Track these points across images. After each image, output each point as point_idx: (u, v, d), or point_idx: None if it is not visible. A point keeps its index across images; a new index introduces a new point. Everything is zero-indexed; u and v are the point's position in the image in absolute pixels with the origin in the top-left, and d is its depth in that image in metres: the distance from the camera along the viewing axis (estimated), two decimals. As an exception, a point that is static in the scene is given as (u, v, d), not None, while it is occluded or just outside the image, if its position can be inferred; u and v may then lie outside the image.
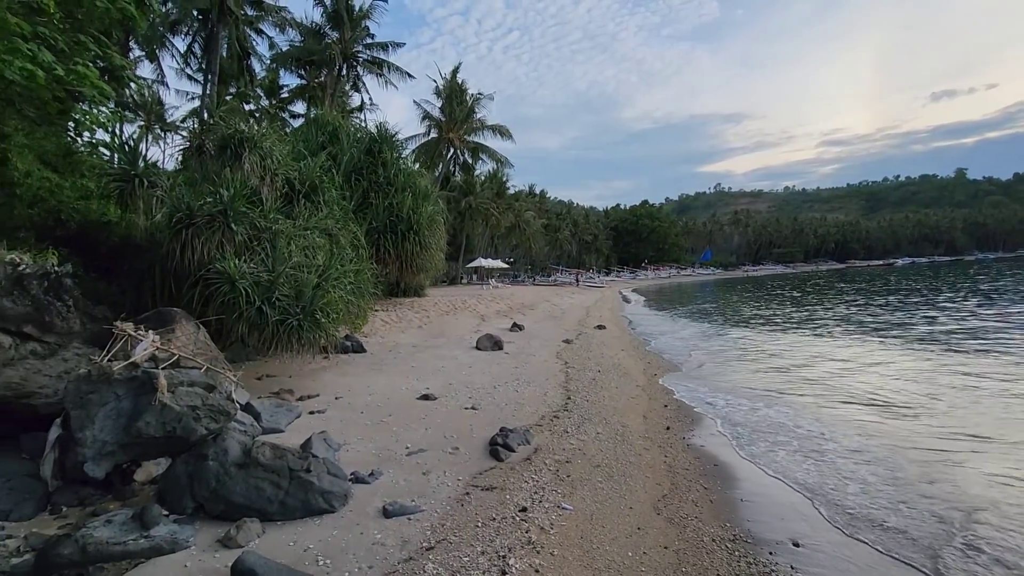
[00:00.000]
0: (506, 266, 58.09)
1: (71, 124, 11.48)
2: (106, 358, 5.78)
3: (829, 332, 20.20)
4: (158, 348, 5.96)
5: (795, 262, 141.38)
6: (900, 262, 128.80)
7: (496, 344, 14.83)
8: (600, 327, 21.10)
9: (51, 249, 7.96)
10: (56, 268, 7.11)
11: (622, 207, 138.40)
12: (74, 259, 8.98)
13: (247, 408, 7.17)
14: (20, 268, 6.55)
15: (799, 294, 44.03)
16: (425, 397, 9.34)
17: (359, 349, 13.19)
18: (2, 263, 6.25)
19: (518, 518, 5.00)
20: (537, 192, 79.55)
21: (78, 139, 13.15)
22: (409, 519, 4.94)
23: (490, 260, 50.48)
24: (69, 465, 4.95)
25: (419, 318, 19.24)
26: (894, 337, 17.93)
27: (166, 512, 4.66)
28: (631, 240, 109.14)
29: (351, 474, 5.75)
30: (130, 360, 5.46)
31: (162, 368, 5.55)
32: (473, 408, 8.81)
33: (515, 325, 19.73)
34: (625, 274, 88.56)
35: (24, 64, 7.53)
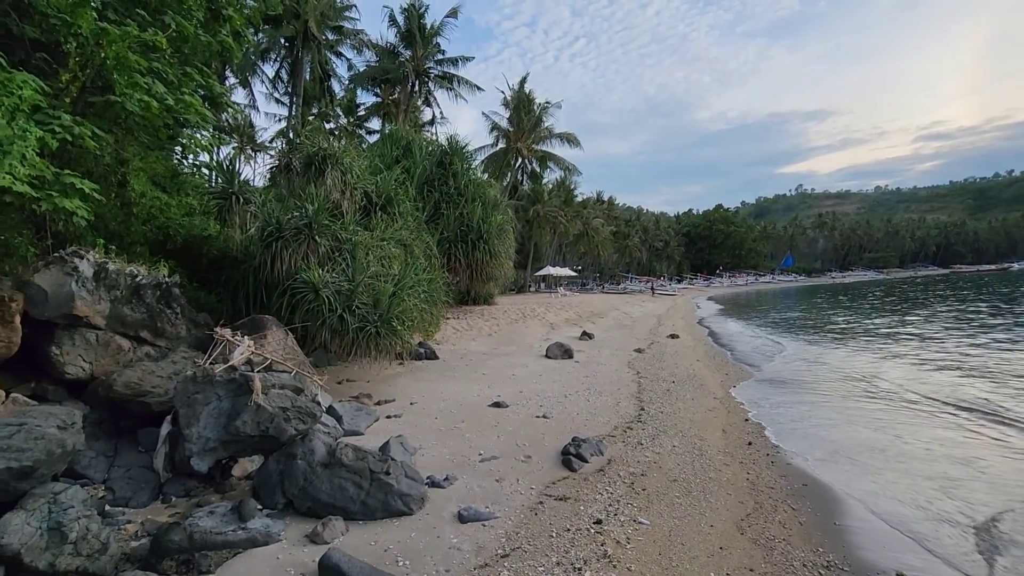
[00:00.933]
0: (574, 274, 57.70)
1: (178, 148, 12.67)
2: (208, 361, 6.29)
3: (938, 342, 18.47)
4: (253, 352, 6.41)
5: (889, 268, 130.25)
6: (1017, 265, 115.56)
7: (566, 353, 14.74)
8: (673, 336, 20.46)
9: (163, 261, 8.76)
10: (166, 279, 7.84)
11: (695, 212, 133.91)
12: (180, 270, 9.88)
13: (330, 411, 7.54)
14: (137, 279, 7.28)
15: (897, 302, 40.60)
16: (496, 404, 9.43)
17: (432, 356, 13.54)
18: (124, 274, 6.97)
19: (593, 530, 4.92)
20: (605, 199, 78.55)
21: (184, 161, 14.50)
22: (484, 525, 4.99)
23: (558, 268, 50.40)
24: (177, 459, 5.42)
25: (489, 326, 19.48)
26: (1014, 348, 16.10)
27: (260, 506, 4.98)
28: (704, 246, 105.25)
29: (427, 478, 5.90)
30: (229, 364, 5.91)
31: (256, 371, 5.96)
32: (544, 417, 8.79)
33: (584, 334, 19.53)
34: (699, 281, 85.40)
35: (142, 96, 8.38)
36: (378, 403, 9.34)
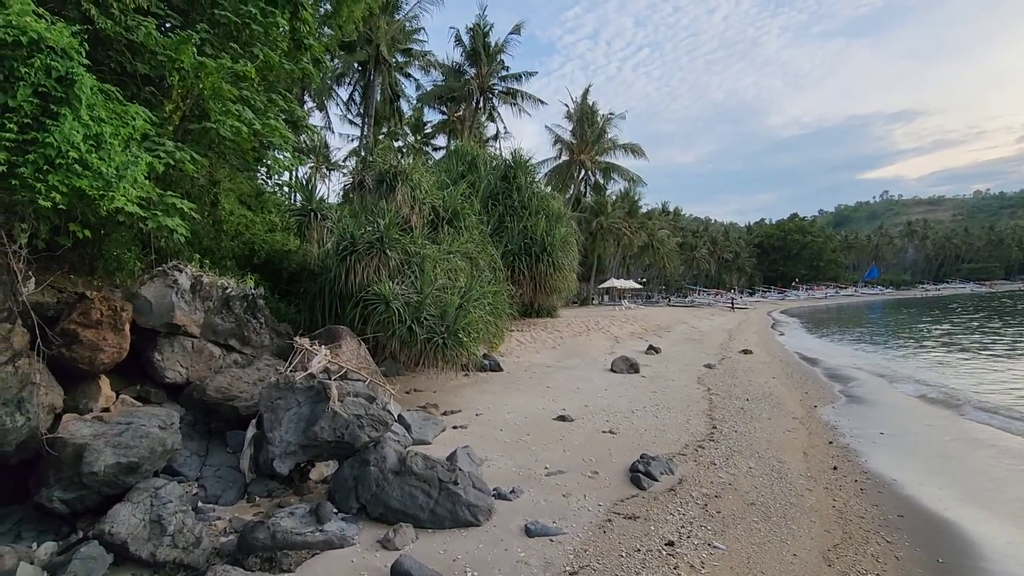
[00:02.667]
0: (639, 286, 56.48)
1: (263, 169, 13.59)
2: (289, 369, 6.65)
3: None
4: (329, 361, 6.71)
5: (992, 280, 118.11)
6: None
7: (632, 367, 14.41)
8: (746, 352, 19.52)
9: (249, 275, 9.38)
10: (252, 291, 8.38)
11: (767, 222, 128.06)
12: (263, 283, 10.53)
13: (400, 419, 7.74)
14: (227, 291, 7.83)
15: (1003, 315, 36.79)
16: (562, 418, 9.34)
17: (496, 368, 13.63)
18: (216, 287, 7.52)
19: (665, 552, 4.75)
20: (671, 209, 76.75)
21: (267, 181, 15.53)
22: (551, 540, 4.93)
23: (622, 280, 49.52)
24: (261, 461, 5.74)
25: (553, 339, 19.40)
26: None
27: (335, 510, 5.17)
28: (778, 257, 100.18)
29: (493, 489, 5.91)
30: (308, 371, 6.21)
31: (333, 379, 6.23)
32: (611, 432, 8.61)
33: (651, 347, 19.03)
34: (772, 294, 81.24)
35: (233, 122, 9.07)
36: (444, 413, 9.49)
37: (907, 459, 7.95)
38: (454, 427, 8.62)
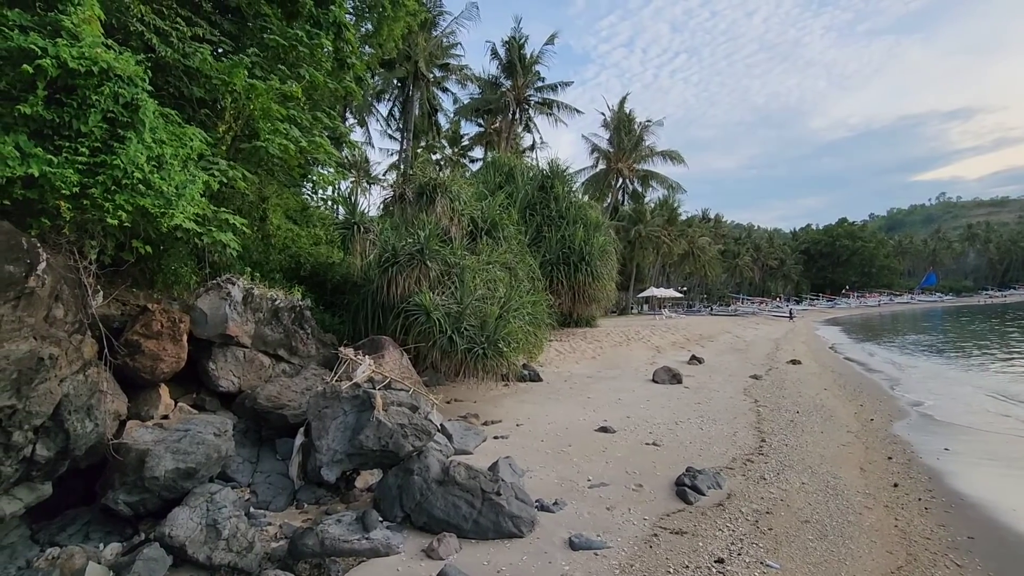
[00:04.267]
0: (679, 295, 55.37)
1: (309, 184, 14.07)
2: (335, 378, 6.81)
3: None
4: (373, 371, 6.84)
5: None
6: None
7: (674, 377, 14.11)
8: (794, 362, 18.82)
9: (296, 286, 9.68)
10: (300, 302, 8.65)
11: (814, 227, 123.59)
12: (309, 295, 10.86)
13: (442, 429, 7.80)
14: (276, 302, 8.11)
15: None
16: (603, 429, 9.21)
17: (536, 378, 13.59)
18: (265, 299, 7.80)
19: (714, 570, 4.60)
20: (712, 216, 75.10)
21: (312, 196, 16.05)
22: (596, 554, 4.85)
23: (662, 289, 48.66)
24: (309, 468, 5.88)
25: (592, 349, 19.22)
26: None
27: (380, 518, 5.23)
28: (826, 264, 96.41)
29: (536, 501, 5.87)
30: (353, 381, 6.35)
31: (377, 389, 6.34)
32: (654, 444, 8.43)
33: (694, 358, 18.59)
34: (821, 302, 78.13)
35: (281, 140, 9.44)
36: (485, 423, 9.52)
37: (976, 476, 7.46)
38: (495, 437, 8.62)
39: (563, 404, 11.23)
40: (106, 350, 5.44)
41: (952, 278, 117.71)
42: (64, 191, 4.75)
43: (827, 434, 9.30)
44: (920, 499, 6.52)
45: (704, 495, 6.32)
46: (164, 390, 6.28)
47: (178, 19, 8.66)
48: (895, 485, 6.96)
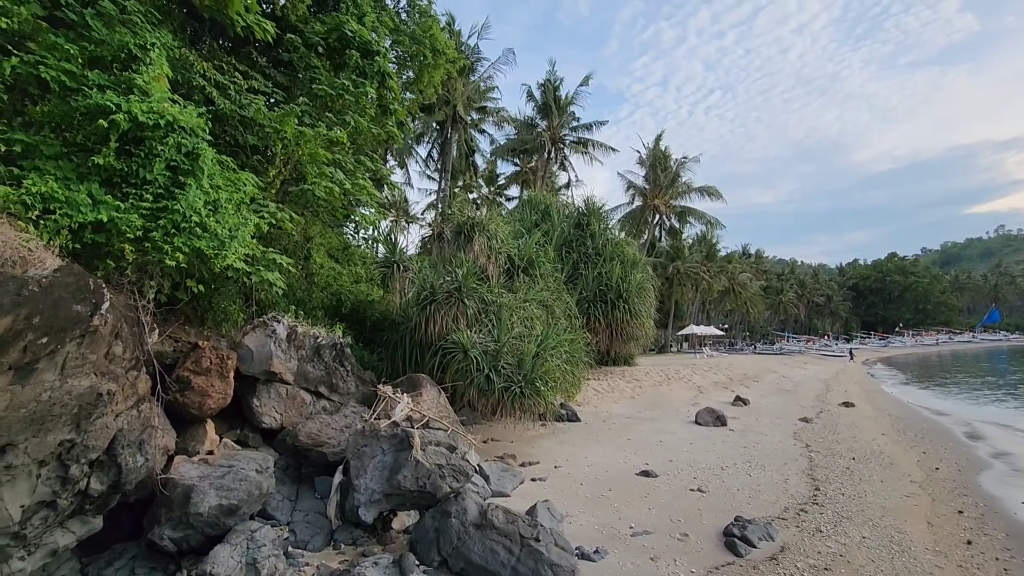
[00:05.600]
0: (720, 333, 53.81)
1: (352, 225, 14.55)
2: (373, 416, 6.84)
3: None
4: (412, 409, 6.84)
5: None
6: None
7: (718, 419, 13.57)
8: (847, 404, 17.86)
9: (338, 324, 9.89)
10: (340, 339, 8.82)
11: (861, 262, 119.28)
12: (349, 332, 11.07)
13: (479, 470, 7.68)
14: (318, 340, 8.29)
15: None
16: (645, 473, 8.89)
17: (574, 418, 13.31)
18: (308, 336, 7.99)
19: (771, 631, 4.28)
20: (752, 252, 73.44)
21: (355, 236, 16.57)
22: (641, 609, 4.60)
23: (702, 327, 47.44)
24: (347, 508, 5.86)
25: (631, 388, 18.77)
26: None
27: (417, 562, 5.13)
28: (877, 300, 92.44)
29: (576, 548, 5.65)
30: (392, 419, 6.36)
31: (415, 427, 6.33)
32: (699, 490, 8.06)
33: (738, 399, 17.89)
34: (873, 341, 74.39)
35: (327, 183, 9.85)
36: (522, 464, 9.32)
37: (1061, 535, 6.80)
38: (532, 479, 8.42)
39: (602, 446, 10.92)
40: (159, 386, 5.65)
41: (1018, 315, 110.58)
42: (129, 235, 5.06)
43: (888, 483, 8.70)
44: (998, 559, 5.97)
45: (755, 547, 5.97)
46: (210, 425, 6.43)
47: (236, 73, 9.29)
48: (968, 543, 6.40)
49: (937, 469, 9.84)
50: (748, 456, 10.31)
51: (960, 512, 7.51)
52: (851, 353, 48.59)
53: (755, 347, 58.61)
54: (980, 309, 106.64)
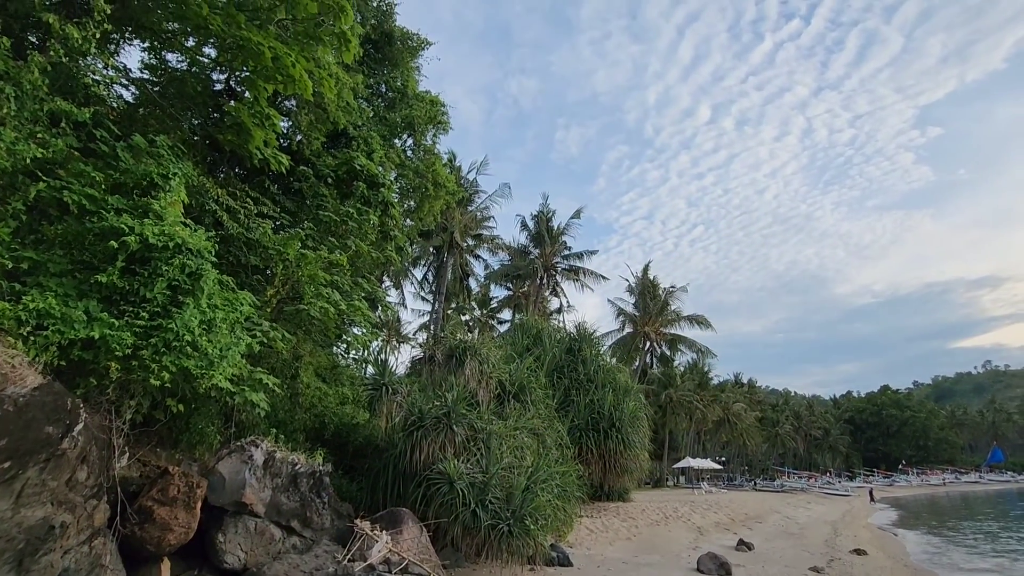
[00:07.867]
0: (718, 466, 51.56)
1: (343, 345, 14.48)
2: (347, 558, 6.25)
3: None
4: (390, 551, 6.28)
5: None
6: None
7: (722, 566, 12.49)
8: (859, 551, 16.61)
9: (319, 450, 9.42)
10: (320, 467, 8.34)
11: (855, 394, 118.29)
12: (330, 458, 10.50)
13: (460, 624, 6.87)
14: (296, 467, 7.83)
15: None
16: (645, 632, 7.96)
17: (565, 562, 12.19)
18: (286, 463, 7.56)
19: None
20: (744, 381, 73.00)
21: (345, 355, 16.41)
22: None
23: (699, 460, 45.56)
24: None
25: (627, 528, 17.49)
26: None
27: None
28: (875, 435, 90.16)
29: None
30: (368, 562, 5.80)
31: (394, 572, 5.76)
32: (707, 655, 7.16)
33: (741, 543, 16.64)
34: (877, 478, 71.27)
35: (323, 304, 9.99)
36: (509, 618, 8.36)
37: None
38: (520, 637, 7.49)
39: (597, 596, 9.90)
40: (117, 517, 5.20)
41: (1019, 454, 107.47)
42: (118, 352, 4.99)
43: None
44: None
45: None
46: (166, 565, 5.83)
47: (248, 199, 9.84)
48: None
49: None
50: (758, 613, 9.33)
51: None
52: (871, 494, 46.22)
53: (755, 483, 55.86)
54: (981, 447, 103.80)
